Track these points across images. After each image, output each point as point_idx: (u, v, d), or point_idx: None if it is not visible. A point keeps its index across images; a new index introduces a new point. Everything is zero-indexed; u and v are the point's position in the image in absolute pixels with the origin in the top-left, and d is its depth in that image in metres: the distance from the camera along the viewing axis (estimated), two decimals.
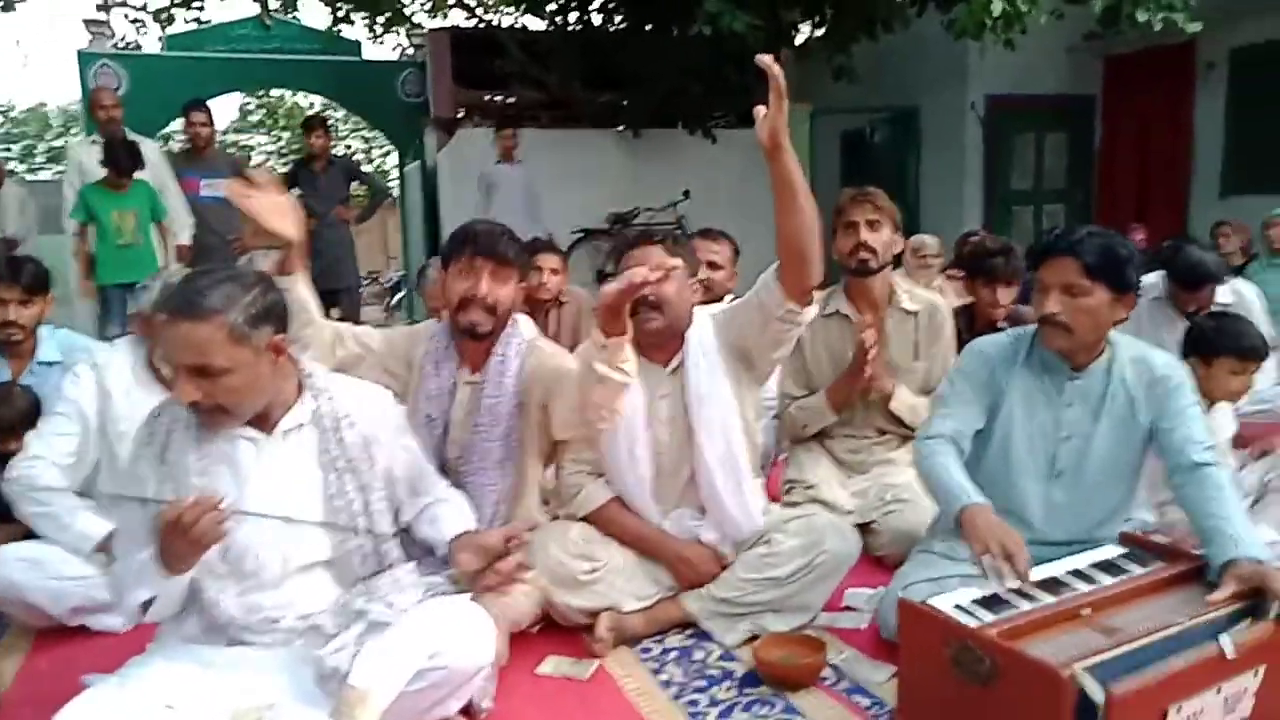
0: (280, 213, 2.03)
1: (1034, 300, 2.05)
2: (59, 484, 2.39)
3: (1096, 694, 1.39)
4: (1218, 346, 2.61)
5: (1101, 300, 1.96)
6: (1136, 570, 1.83)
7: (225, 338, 1.60)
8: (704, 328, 2.25)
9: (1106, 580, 1.78)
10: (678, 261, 2.07)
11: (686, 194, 7.74)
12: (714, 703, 1.95)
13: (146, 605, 1.69)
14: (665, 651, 2.18)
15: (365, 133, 22.45)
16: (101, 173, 4.96)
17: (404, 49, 10.59)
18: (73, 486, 2.44)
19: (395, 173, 11.07)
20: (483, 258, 2.19)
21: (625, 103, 7.98)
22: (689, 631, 2.24)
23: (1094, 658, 1.46)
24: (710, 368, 2.21)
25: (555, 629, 2.22)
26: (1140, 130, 8.21)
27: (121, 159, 4.88)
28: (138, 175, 5.00)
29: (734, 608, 2.19)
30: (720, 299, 3.21)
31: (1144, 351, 2.09)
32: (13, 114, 27.99)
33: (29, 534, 2.42)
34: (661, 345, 2.23)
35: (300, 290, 2.10)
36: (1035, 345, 2.11)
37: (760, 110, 1.80)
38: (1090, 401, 2.07)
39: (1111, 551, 1.93)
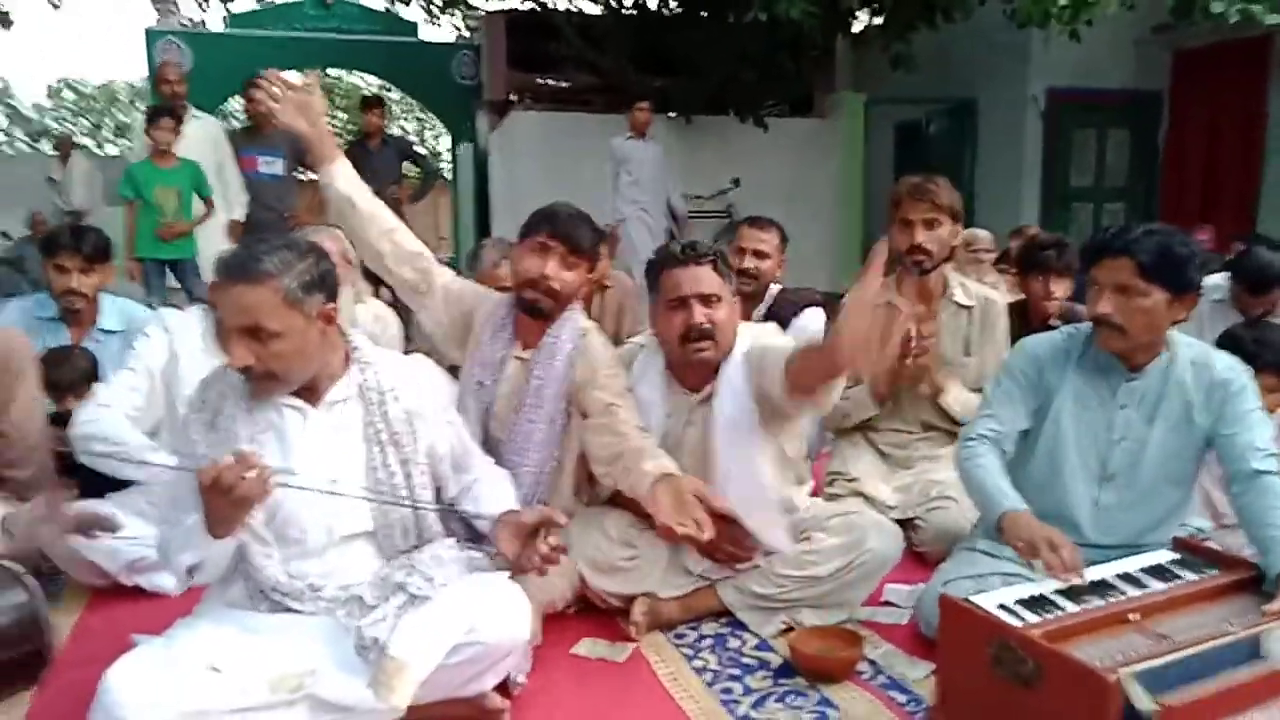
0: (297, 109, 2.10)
1: (1088, 300, 2.00)
2: (127, 429, 2.43)
3: (1146, 704, 1.35)
4: (1259, 360, 2.42)
5: (1158, 301, 1.89)
6: (1189, 576, 1.78)
7: (279, 302, 1.64)
8: (737, 361, 2.14)
9: (1157, 585, 1.73)
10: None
11: (736, 182, 7.68)
12: (748, 691, 1.94)
13: (194, 569, 1.73)
14: (700, 638, 2.17)
15: (419, 114, 22.68)
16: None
17: (459, 31, 10.66)
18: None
19: (448, 154, 11.16)
20: (558, 240, 2.19)
21: (678, 88, 7.93)
22: (724, 619, 2.24)
23: (1141, 664, 1.42)
24: (739, 404, 2.11)
25: (591, 611, 2.23)
26: (1209, 128, 7.94)
27: (162, 114, 5.01)
28: (184, 155, 5.11)
29: (771, 603, 2.17)
30: (766, 288, 3.19)
31: (1205, 353, 2.03)
32: (83, 90, 28.80)
33: (86, 494, 2.48)
34: (705, 373, 2.17)
35: (341, 185, 2.15)
36: (1090, 344, 2.06)
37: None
38: (1146, 404, 2.01)
39: (1163, 556, 1.88)
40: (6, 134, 27.06)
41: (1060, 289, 3.15)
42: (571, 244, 2.20)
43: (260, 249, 1.67)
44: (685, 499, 1.89)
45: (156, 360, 2.54)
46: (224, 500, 1.54)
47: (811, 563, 2.13)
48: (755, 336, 2.20)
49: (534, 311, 2.22)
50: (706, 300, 2.11)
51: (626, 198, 6.49)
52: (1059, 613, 1.62)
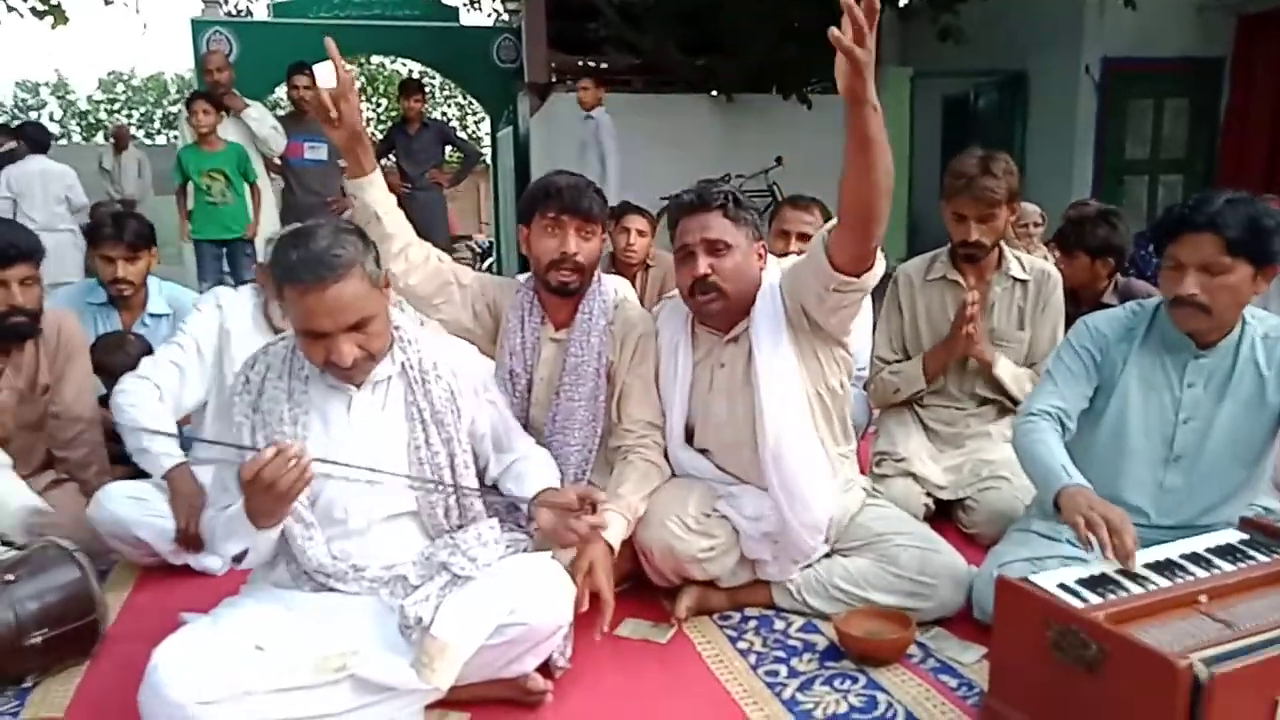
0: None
1: (1164, 279, 1.90)
2: (154, 405, 2.42)
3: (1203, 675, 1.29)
4: None
5: (1243, 276, 1.81)
6: (1259, 558, 1.69)
7: (369, 286, 1.65)
8: (773, 291, 2.06)
9: (1226, 567, 1.65)
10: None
11: (779, 160, 7.58)
12: (794, 674, 1.90)
13: (240, 556, 1.73)
14: (745, 620, 2.14)
15: (460, 99, 22.81)
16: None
17: (499, 15, 10.64)
18: (175, 413, 2.49)
19: (489, 138, 11.18)
20: (569, 214, 2.11)
21: (720, 67, 7.84)
22: None
23: (1212, 648, 1.36)
24: (775, 336, 2.02)
25: (634, 591, 2.20)
26: (1274, 96, 7.61)
27: (200, 99, 5.16)
28: (229, 138, 5.24)
29: (822, 610, 2.10)
30: None
31: (1278, 327, 1.93)
32: (133, 82, 29.46)
33: (138, 474, 2.53)
34: (727, 319, 2.11)
35: (370, 197, 1.96)
36: (1156, 322, 1.98)
37: (841, 62, 1.55)
38: (1215, 382, 1.93)
39: (1232, 536, 1.79)
40: (62, 126, 27.79)
41: (1066, 263, 3.09)
42: (583, 215, 2.11)
43: (323, 242, 1.60)
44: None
45: (207, 337, 2.54)
46: (267, 494, 1.54)
47: (872, 586, 2.05)
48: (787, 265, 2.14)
49: (563, 292, 2.15)
50: (713, 247, 2.03)
51: None
52: (1123, 594, 1.55)
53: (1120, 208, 4.13)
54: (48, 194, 6.23)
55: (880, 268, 1.90)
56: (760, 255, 2.11)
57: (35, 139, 6.43)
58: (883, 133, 1.66)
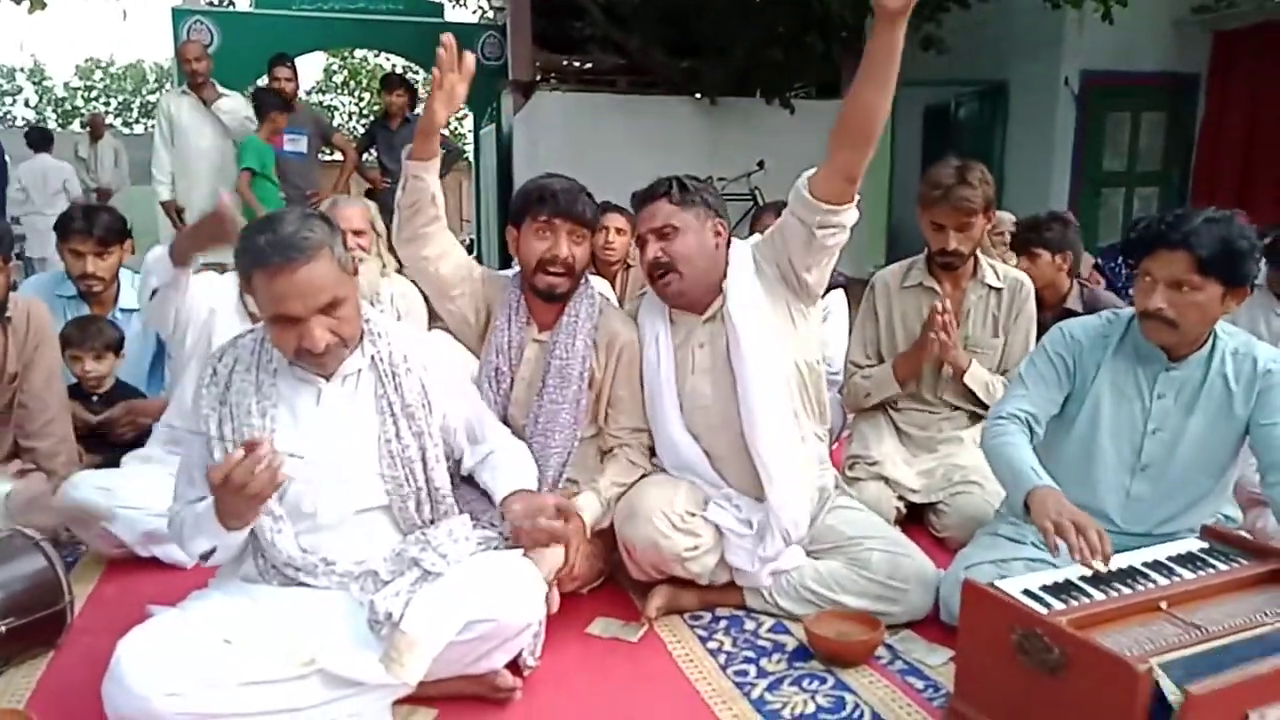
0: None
1: (1137, 291, 1.93)
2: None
3: (1174, 695, 1.31)
4: None
5: (1213, 295, 1.84)
6: (1219, 565, 1.73)
7: (337, 268, 1.64)
8: (743, 267, 2.12)
9: (1186, 574, 1.68)
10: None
11: (761, 164, 7.61)
12: (763, 674, 1.91)
13: (207, 554, 1.71)
14: (715, 619, 2.15)
15: None
16: (184, 123, 5.18)
17: (484, 11, 10.61)
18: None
19: (472, 135, 11.14)
20: (562, 218, 2.13)
21: (704, 69, 7.86)
22: None
23: (1172, 653, 1.38)
24: (754, 309, 2.08)
25: (605, 590, 2.21)
26: (1248, 111, 7.74)
27: (269, 103, 5.18)
28: (205, 130, 5.23)
29: (794, 613, 2.12)
30: None
31: (1248, 343, 1.97)
32: (111, 69, 29.09)
33: (106, 464, 2.50)
34: (695, 299, 2.15)
35: (433, 180, 2.03)
36: (1130, 332, 2.01)
37: None
38: (1185, 394, 1.96)
39: (1193, 545, 1.82)
40: (38, 113, 27.40)
41: (1024, 263, 3.14)
42: (575, 218, 2.14)
43: (289, 227, 1.60)
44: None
45: (198, 307, 2.52)
46: (237, 497, 1.53)
47: (843, 589, 2.07)
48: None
49: (550, 296, 2.16)
50: (661, 233, 2.13)
51: None
52: (1086, 600, 1.57)
53: (1097, 219, 4.19)
54: (47, 187, 7.97)
55: (855, 214, 1.99)
56: (718, 233, 2.17)
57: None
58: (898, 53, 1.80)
